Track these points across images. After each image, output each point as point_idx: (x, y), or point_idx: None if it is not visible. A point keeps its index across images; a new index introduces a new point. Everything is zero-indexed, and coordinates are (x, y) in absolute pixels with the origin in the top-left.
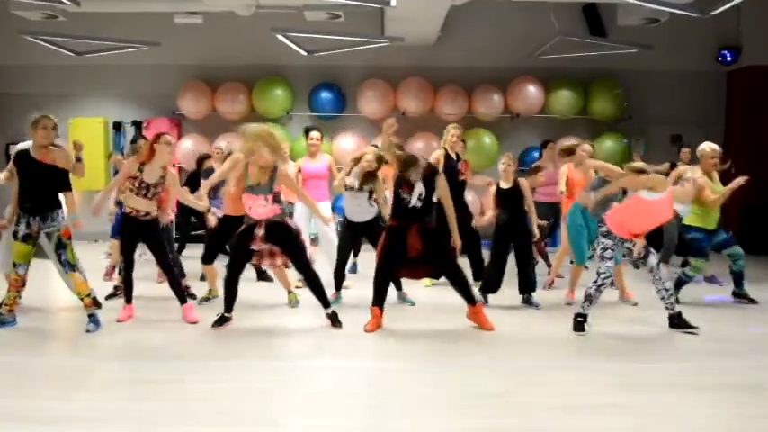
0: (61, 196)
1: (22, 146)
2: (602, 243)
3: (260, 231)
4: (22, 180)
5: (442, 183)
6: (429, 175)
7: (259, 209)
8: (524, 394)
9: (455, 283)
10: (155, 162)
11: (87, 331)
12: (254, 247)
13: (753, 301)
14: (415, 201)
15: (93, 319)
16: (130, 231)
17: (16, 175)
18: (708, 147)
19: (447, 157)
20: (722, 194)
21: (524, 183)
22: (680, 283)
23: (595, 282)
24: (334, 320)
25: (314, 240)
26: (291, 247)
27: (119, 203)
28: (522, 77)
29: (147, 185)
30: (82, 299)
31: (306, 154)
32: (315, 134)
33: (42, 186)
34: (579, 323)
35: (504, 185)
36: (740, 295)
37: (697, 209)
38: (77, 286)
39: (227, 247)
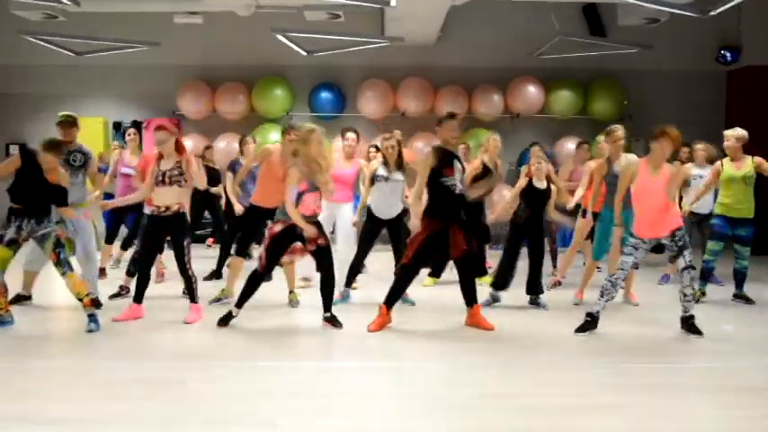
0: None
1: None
2: (627, 239)
3: (298, 241)
4: (22, 181)
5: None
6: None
7: (317, 204)
8: (526, 394)
9: (466, 281)
10: (165, 155)
11: (89, 331)
12: (299, 254)
13: (749, 301)
14: (459, 184)
15: (93, 319)
16: (154, 230)
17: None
18: (724, 132)
19: (485, 164)
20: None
21: (557, 183)
22: (704, 275)
23: (612, 274)
24: (334, 322)
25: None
26: (321, 246)
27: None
28: (522, 77)
29: (162, 172)
30: (81, 299)
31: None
32: (351, 135)
33: (41, 197)
34: (586, 323)
35: (539, 185)
36: (739, 296)
37: (720, 198)
38: (76, 287)
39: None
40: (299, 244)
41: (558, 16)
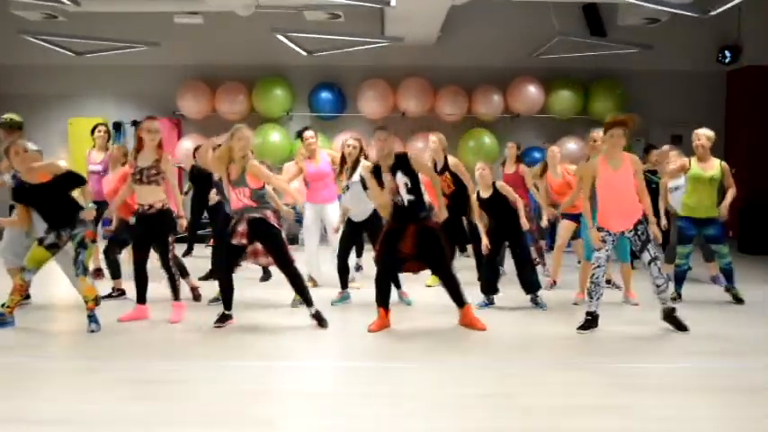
0: (77, 195)
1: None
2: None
3: (241, 227)
4: (35, 208)
5: (421, 162)
6: (403, 163)
7: (243, 199)
8: (525, 395)
9: (446, 285)
10: (146, 149)
11: (92, 331)
12: (234, 241)
13: (740, 301)
14: (405, 196)
15: (94, 319)
16: (139, 227)
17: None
18: (694, 132)
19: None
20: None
21: (503, 186)
22: (678, 278)
23: (592, 274)
24: (320, 320)
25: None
26: (272, 243)
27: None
28: (522, 77)
29: (141, 170)
30: (87, 301)
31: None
32: (308, 133)
33: (56, 204)
34: (587, 321)
35: (484, 194)
36: (731, 291)
37: (684, 199)
38: (86, 290)
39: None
40: (258, 246)
41: (558, 16)
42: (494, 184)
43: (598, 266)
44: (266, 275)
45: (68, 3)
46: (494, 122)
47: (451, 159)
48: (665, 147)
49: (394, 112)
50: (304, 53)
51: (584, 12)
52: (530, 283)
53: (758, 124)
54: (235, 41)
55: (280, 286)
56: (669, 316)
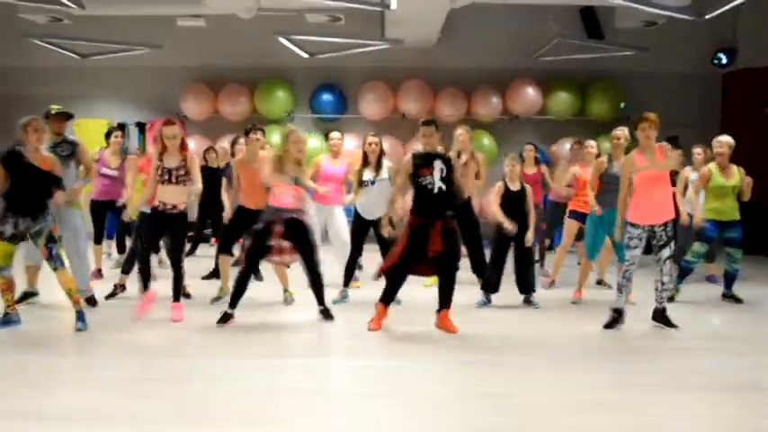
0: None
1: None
2: (629, 232)
3: (278, 227)
4: (15, 182)
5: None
6: (444, 157)
7: (286, 198)
8: (524, 393)
9: (446, 284)
10: (169, 152)
11: (78, 330)
12: (272, 242)
13: (739, 301)
14: (438, 182)
15: (81, 316)
16: (155, 225)
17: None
18: (716, 139)
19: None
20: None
21: (531, 192)
22: (683, 272)
23: (622, 270)
24: (326, 315)
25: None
26: (307, 245)
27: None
28: (520, 79)
29: (168, 170)
30: (71, 296)
31: (321, 155)
32: (335, 134)
33: (37, 190)
34: (614, 319)
35: (513, 187)
36: (729, 296)
37: (707, 204)
38: (67, 283)
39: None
40: (285, 243)
41: (556, 19)
42: (522, 184)
43: (632, 264)
44: (258, 277)
45: (73, 6)
46: (492, 124)
47: (479, 154)
48: (697, 150)
49: (394, 114)
50: (305, 55)
51: (581, 15)
52: (527, 284)
53: (754, 126)
54: (237, 44)
55: (278, 286)
56: (660, 315)
